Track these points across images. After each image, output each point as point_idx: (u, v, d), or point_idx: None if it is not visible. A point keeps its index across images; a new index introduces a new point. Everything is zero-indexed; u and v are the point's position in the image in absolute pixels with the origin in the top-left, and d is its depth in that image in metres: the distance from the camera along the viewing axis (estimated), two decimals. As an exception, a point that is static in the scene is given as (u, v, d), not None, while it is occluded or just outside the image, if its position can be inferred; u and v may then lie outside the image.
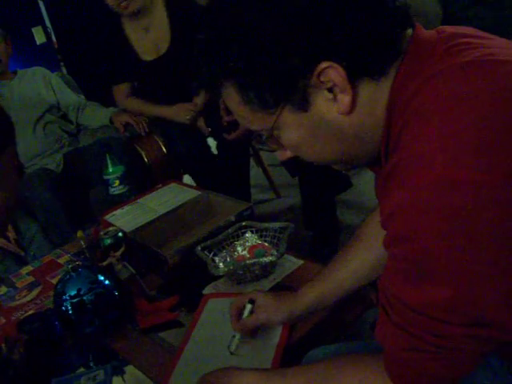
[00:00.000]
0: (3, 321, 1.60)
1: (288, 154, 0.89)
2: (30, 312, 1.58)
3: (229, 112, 2.36)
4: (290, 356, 1.20)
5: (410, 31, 0.79)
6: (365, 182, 2.92)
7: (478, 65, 0.72)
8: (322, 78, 0.74)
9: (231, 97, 0.81)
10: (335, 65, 0.73)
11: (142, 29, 2.72)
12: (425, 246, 0.67)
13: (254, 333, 1.24)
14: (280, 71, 0.74)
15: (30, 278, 1.80)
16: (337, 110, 0.77)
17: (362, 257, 1.16)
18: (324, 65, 0.73)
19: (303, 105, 0.77)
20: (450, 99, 0.69)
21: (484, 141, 0.64)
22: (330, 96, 0.76)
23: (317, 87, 0.75)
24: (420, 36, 0.78)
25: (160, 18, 2.70)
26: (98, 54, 2.92)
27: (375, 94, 0.77)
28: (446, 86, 0.71)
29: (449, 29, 0.80)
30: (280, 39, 0.72)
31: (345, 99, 0.75)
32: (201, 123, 2.77)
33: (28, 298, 1.67)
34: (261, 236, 1.61)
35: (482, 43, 0.77)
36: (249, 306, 1.22)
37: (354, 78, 0.75)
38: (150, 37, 2.74)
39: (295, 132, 0.81)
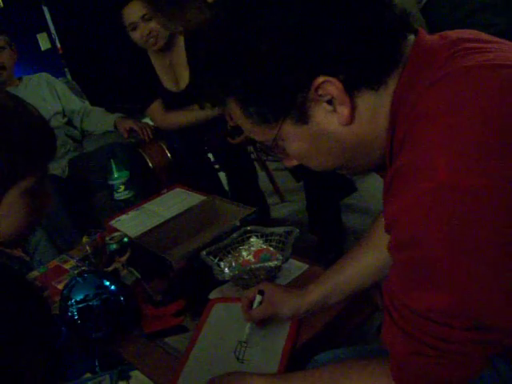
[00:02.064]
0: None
1: (294, 161, 0.90)
2: (36, 317, 1.58)
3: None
4: (296, 361, 1.20)
5: (412, 37, 0.79)
6: (369, 186, 2.92)
7: (482, 69, 0.72)
8: (319, 92, 0.75)
9: (234, 111, 0.82)
10: (332, 79, 0.73)
11: (164, 63, 2.76)
12: (428, 252, 0.67)
13: (263, 323, 1.27)
14: (277, 88, 0.75)
15: (36, 284, 1.80)
16: (337, 121, 0.77)
17: (370, 257, 1.17)
18: (320, 79, 0.73)
19: (303, 118, 0.78)
20: (453, 104, 0.69)
21: (487, 146, 0.65)
22: (330, 108, 0.76)
23: (316, 101, 0.76)
24: (423, 42, 0.78)
25: (180, 56, 2.73)
26: (127, 82, 2.91)
27: (375, 103, 0.77)
28: (449, 91, 0.71)
29: (453, 34, 0.80)
30: (275, 57, 0.73)
31: (344, 111, 0.76)
32: None
33: (34, 304, 1.67)
34: (266, 241, 1.61)
35: (487, 47, 0.77)
36: (258, 297, 1.24)
37: (352, 89, 0.75)
38: (171, 72, 2.78)
39: (298, 143, 0.82)
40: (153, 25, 2.54)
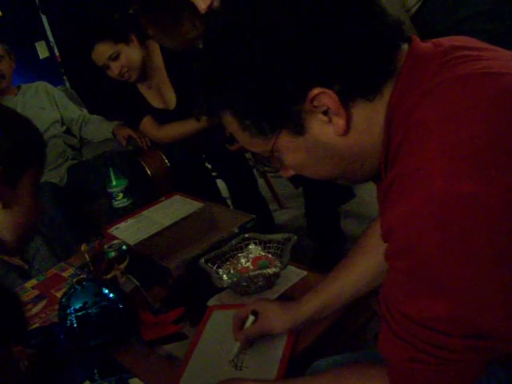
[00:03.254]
0: (8, 335, 1.59)
1: (291, 172, 0.90)
2: (35, 325, 1.58)
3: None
4: (295, 367, 1.19)
5: (405, 46, 0.79)
6: (368, 193, 2.92)
7: (476, 77, 0.73)
8: (315, 103, 0.75)
9: (230, 123, 0.83)
10: (327, 90, 0.74)
11: (149, 86, 2.79)
12: (425, 260, 0.67)
13: (252, 343, 1.25)
14: (273, 100, 0.76)
15: (35, 292, 1.80)
16: (333, 131, 0.78)
17: (364, 264, 1.17)
18: (316, 91, 0.74)
19: (299, 129, 0.78)
20: (448, 112, 0.70)
21: (483, 154, 0.65)
22: (326, 119, 0.77)
23: (311, 112, 0.77)
24: (416, 50, 0.79)
25: (163, 77, 2.77)
26: (114, 104, 2.94)
27: (371, 113, 0.78)
28: (443, 99, 0.71)
29: (446, 41, 0.81)
30: (270, 70, 0.74)
31: (339, 121, 0.77)
32: None
33: (33, 312, 1.67)
34: (264, 247, 1.61)
35: (482, 55, 0.77)
36: (251, 318, 1.22)
37: (347, 100, 0.76)
38: (158, 93, 2.80)
39: (294, 154, 0.83)
40: (122, 62, 2.60)
